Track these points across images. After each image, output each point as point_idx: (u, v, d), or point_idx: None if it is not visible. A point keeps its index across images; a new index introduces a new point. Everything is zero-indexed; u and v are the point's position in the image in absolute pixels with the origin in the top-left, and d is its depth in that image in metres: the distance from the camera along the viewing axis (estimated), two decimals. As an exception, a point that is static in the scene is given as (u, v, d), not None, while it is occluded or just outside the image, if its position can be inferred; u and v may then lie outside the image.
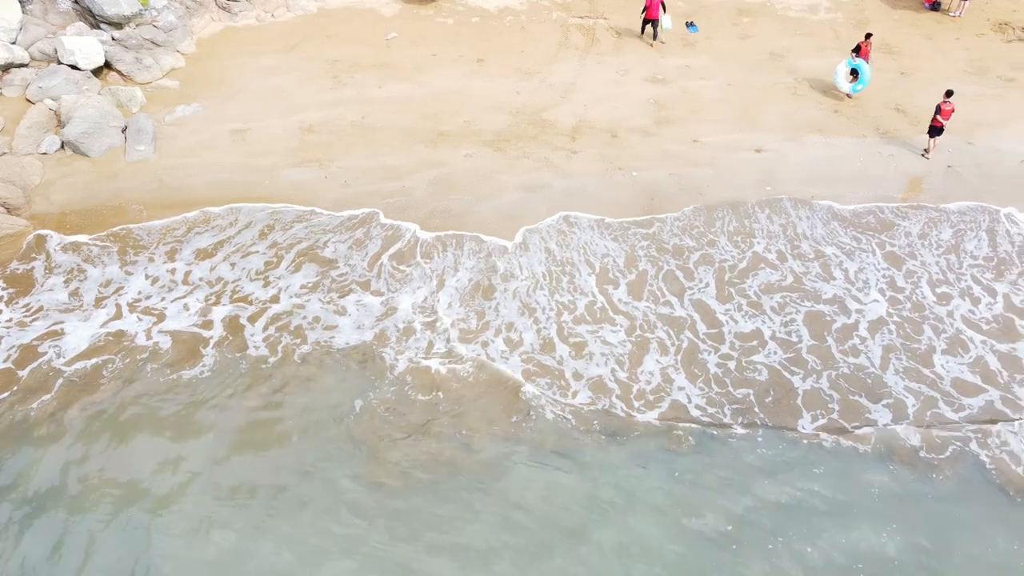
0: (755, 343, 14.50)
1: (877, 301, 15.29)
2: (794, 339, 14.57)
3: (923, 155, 18.87)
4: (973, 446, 12.76)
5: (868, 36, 20.68)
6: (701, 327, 14.79)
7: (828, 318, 14.96)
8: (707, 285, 15.63)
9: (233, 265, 16.03)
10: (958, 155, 18.97)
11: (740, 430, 13.03)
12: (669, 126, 19.93)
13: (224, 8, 23.74)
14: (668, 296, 15.39)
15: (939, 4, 24.59)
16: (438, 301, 15.30)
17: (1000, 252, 16.41)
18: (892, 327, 14.78)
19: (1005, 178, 18.36)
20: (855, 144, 19.37)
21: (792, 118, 20.20)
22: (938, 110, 18.32)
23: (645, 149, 19.15)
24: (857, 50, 20.44)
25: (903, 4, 24.90)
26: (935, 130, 18.55)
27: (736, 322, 14.90)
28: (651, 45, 23.05)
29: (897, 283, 15.65)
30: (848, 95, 20.73)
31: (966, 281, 15.75)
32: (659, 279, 15.71)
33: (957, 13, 24.29)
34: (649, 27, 22.93)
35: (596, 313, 15.04)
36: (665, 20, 22.54)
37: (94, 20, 21.53)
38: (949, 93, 18.28)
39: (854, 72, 20.41)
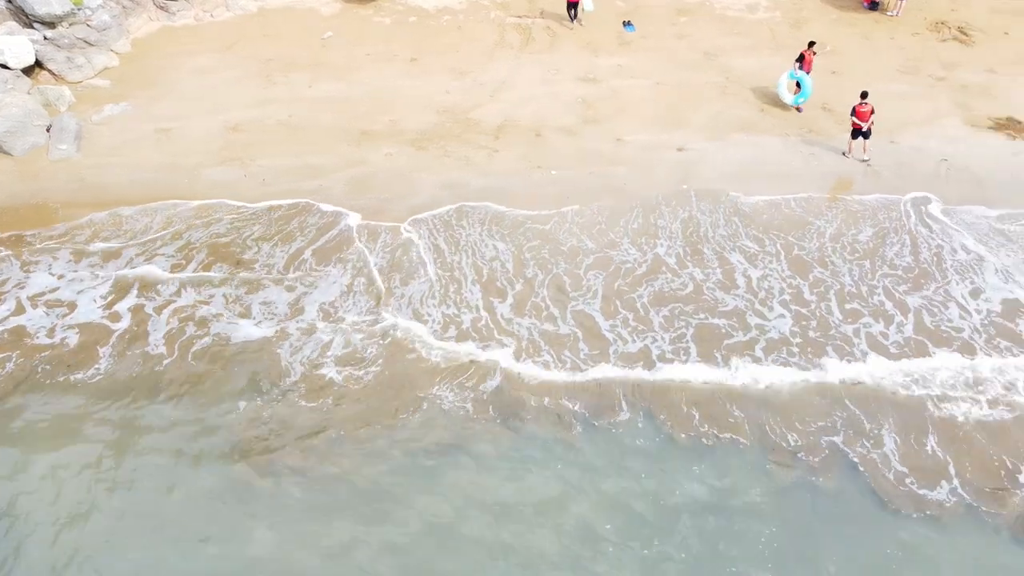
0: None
1: (783, 316, 14.82)
2: (682, 358, 14.05)
3: (844, 155, 18.94)
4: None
5: (811, 44, 20.33)
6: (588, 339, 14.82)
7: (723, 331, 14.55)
8: (595, 296, 15.29)
9: (141, 260, 16.09)
10: (880, 154, 18.98)
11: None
12: (594, 125, 19.99)
13: (162, 8, 23.80)
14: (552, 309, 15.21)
15: (877, 3, 24.66)
16: (343, 298, 15.36)
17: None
18: (796, 347, 14.50)
19: (924, 176, 18.39)
20: (778, 143, 19.43)
21: (719, 117, 20.25)
22: (853, 112, 18.42)
23: (568, 148, 19.21)
24: (800, 59, 20.11)
25: (842, 4, 24.96)
26: (856, 132, 18.62)
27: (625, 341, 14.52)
28: (571, 29, 23.59)
29: (804, 296, 15.23)
30: (797, 109, 20.38)
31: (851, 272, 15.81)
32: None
33: (894, 12, 24.35)
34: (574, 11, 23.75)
35: (482, 330, 15.08)
36: (587, 2, 22.92)
37: (27, 19, 21.56)
38: (864, 95, 18.33)
39: (798, 84, 20.20)
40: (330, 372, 13.77)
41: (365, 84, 21.40)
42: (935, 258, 16.08)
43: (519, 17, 24.31)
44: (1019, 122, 20.10)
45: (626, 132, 19.72)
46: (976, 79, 21.64)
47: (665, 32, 23.75)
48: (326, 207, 17.34)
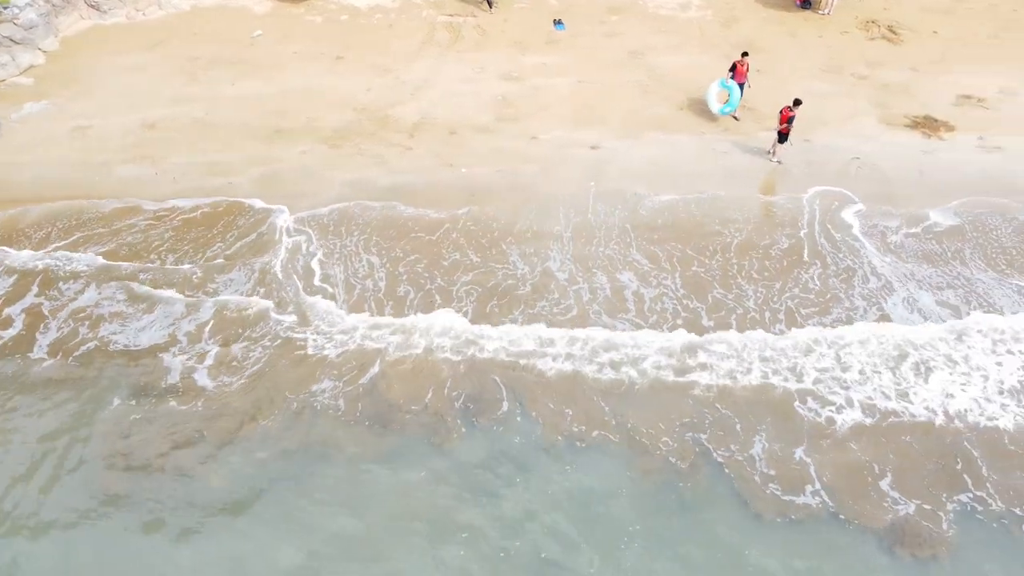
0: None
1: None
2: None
3: (769, 155, 18.99)
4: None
5: (744, 55, 19.77)
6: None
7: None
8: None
9: (41, 258, 16.14)
10: (793, 152, 19.02)
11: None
12: (511, 123, 20.02)
13: (93, 6, 23.85)
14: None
15: (810, 2, 24.68)
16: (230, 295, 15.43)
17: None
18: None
19: (833, 174, 18.44)
20: (693, 141, 19.47)
21: (637, 115, 20.28)
22: (780, 115, 18.33)
23: (481, 146, 19.25)
24: (733, 69, 19.68)
25: (774, 2, 24.98)
26: (782, 136, 18.53)
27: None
28: (490, 12, 24.13)
29: (701, 321, 14.95)
30: (735, 117, 20.10)
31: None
32: (459, 274, 15.79)
33: (826, 11, 24.38)
34: None
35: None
36: None
37: (-49, 18, 21.63)
38: (797, 102, 18.07)
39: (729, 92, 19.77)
40: (203, 378, 13.82)
41: (288, 82, 21.44)
42: (822, 257, 16.18)
43: (450, 16, 24.33)
44: (935, 120, 20.15)
45: (542, 130, 19.75)
46: (899, 78, 21.67)
47: (595, 31, 23.77)
48: (254, 203, 17.47)
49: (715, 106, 19.83)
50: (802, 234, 16.84)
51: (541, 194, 17.83)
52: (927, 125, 19.97)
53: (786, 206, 17.58)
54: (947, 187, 18.04)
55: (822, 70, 22.07)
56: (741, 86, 19.64)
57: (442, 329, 14.57)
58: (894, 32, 23.61)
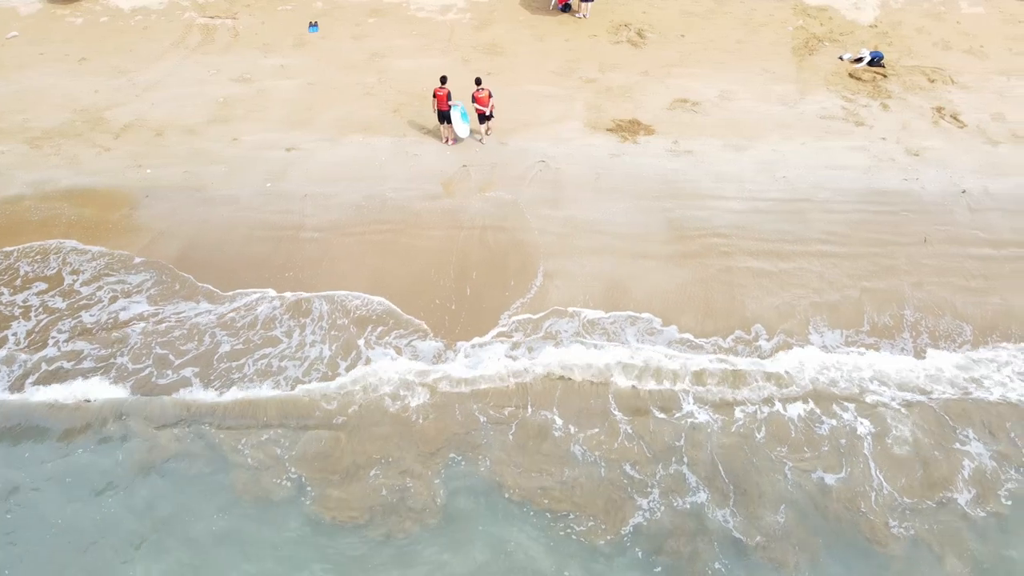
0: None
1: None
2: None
3: (479, 140, 19.68)
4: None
5: (478, 82, 19.38)
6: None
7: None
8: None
9: None
10: (484, 153, 19.41)
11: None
12: (221, 125, 20.37)
13: None
14: None
15: (569, 5, 24.99)
16: None
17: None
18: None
19: (512, 178, 18.78)
20: (390, 144, 19.81)
21: (348, 117, 20.63)
22: (473, 99, 19.13)
23: (181, 147, 19.61)
24: (474, 100, 19.30)
25: (535, 6, 25.26)
26: (480, 117, 19.32)
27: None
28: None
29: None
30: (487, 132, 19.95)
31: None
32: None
33: (582, 15, 24.68)
34: None
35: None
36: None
37: None
38: (478, 80, 19.26)
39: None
40: None
41: (19, 83, 21.80)
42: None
43: (211, 18, 24.66)
44: (639, 124, 20.50)
45: (247, 132, 20.11)
46: (626, 81, 22.00)
47: (345, 33, 24.08)
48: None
49: (464, 131, 19.47)
50: (461, 236, 17.21)
51: (218, 196, 18.21)
52: (629, 128, 20.32)
53: (449, 209, 17.93)
54: (616, 191, 18.40)
55: (554, 73, 22.39)
56: (484, 116, 19.45)
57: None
58: (641, 36, 23.92)
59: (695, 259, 16.70)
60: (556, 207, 17.94)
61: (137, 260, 16.62)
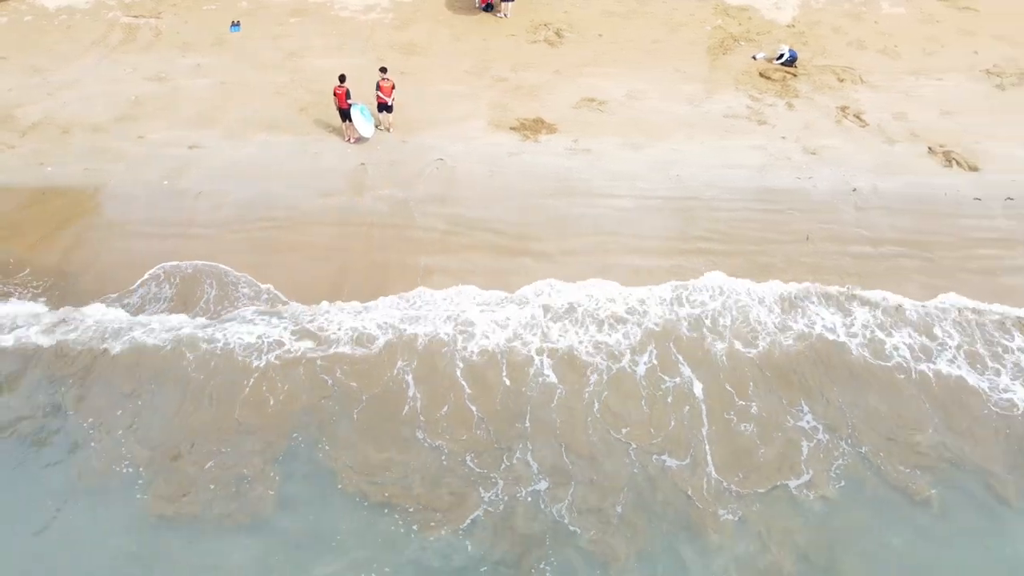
0: None
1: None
2: None
3: (386, 130, 20.04)
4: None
5: (383, 70, 19.72)
6: None
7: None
8: None
9: None
10: (384, 151, 19.62)
11: None
12: (129, 123, 20.57)
13: None
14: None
15: (492, 5, 25.16)
16: None
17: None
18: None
19: (408, 175, 18.98)
20: (293, 142, 20.01)
21: (255, 116, 20.81)
22: (377, 87, 19.43)
23: (84, 145, 19.80)
24: (378, 88, 19.63)
25: (460, 6, 25.40)
26: (381, 106, 19.67)
27: None
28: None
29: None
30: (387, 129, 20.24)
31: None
32: None
33: (502, 14, 24.86)
34: None
35: None
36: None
37: None
38: (383, 69, 19.59)
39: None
40: None
41: (-68, 84, 22.06)
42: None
43: (135, 17, 24.87)
44: (543, 122, 20.69)
45: (153, 130, 20.32)
46: (537, 80, 22.18)
47: (267, 32, 24.25)
48: None
49: (368, 130, 19.70)
50: (347, 232, 17.45)
51: (116, 193, 18.44)
52: (531, 127, 20.51)
53: (339, 207, 18.15)
54: (507, 189, 18.60)
55: (466, 72, 22.58)
56: (385, 106, 19.78)
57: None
58: (559, 36, 24.09)
59: (574, 256, 16.90)
60: (445, 205, 18.16)
61: (18, 260, 16.87)
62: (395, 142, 19.96)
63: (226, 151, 19.73)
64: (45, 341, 15.32)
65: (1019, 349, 15.16)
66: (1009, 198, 18.54)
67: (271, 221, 17.68)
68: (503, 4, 24.77)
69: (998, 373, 14.77)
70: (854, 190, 18.65)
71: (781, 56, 22.68)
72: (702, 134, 20.33)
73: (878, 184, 18.84)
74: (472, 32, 24.34)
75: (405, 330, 15.39)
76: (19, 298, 16.11)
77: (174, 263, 16.71)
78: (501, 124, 20.61)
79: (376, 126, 20.04)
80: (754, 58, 23.10)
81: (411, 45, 23.67)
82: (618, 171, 19.11)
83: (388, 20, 24.96)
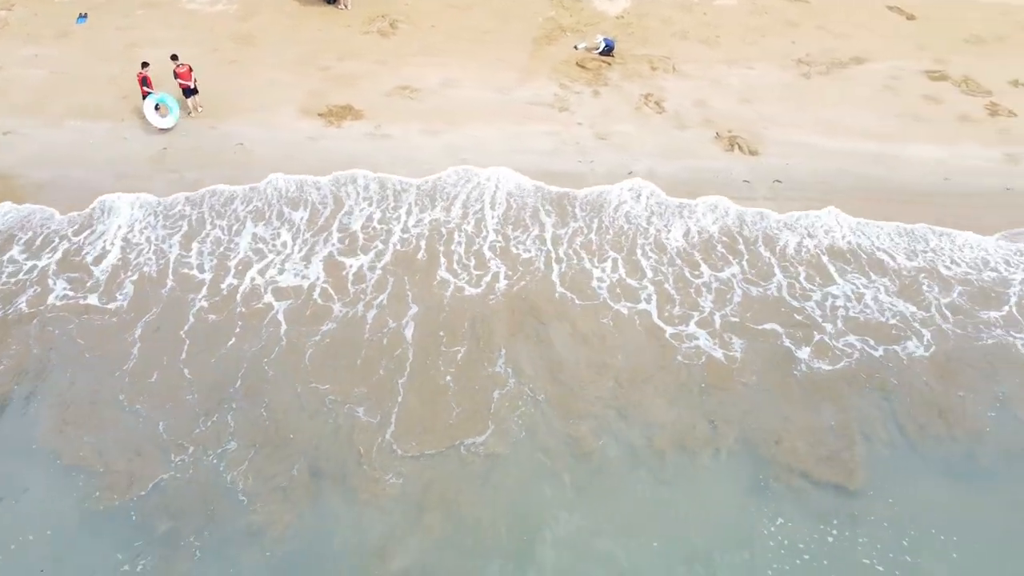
0: None
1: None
2: None
3: (192, 114, 21.00)
4: None
5: (174, 58, 20.59)
6: None
7: None
8: None
9: None
10: (190, 137, 20.44)
11: None
12: (-41, 114, 21.44)
13: None
14: None
15: (331, -3, 25.95)
16: None
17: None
18: None
19: (205, 160, 19.85)
20: (108, 128, 20.84)
21: (79, 104, 21.50)
22: (175, 75, 20.44)
23: (-94, 134, 20.71)
24: (176, 76, 20.58)
25: (305, -3, 26.23)
26: (187, 91, 20.70)
27: None
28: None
29: None
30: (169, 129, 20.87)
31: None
32: None
33: (343, 5, 25.63)
34: None
35: None
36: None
37: None
38: (174, 56, 20.59)
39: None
40: None
41: None
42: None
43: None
44: (351, 109, 21.53)
45: (-19, 121, 21.19)
46: (358, 70, 22.98)
47: (113, 24, 25.04)
48: None
49: (160, 122, 20.45)
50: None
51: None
52: (338, 114, 21.33)
53: (137, 187, 19.06)
54: (302, 172, 19.45)
55: (293, 62, 23.35)
56: (190, 90, 20.79)
57: None
58: (393, 27, 24.88)
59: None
60: (236, 185, 19.00)
61: None
62: (203, 128, 20.78)
63: (40, 137, 20.58)
64: None
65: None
66: (777, 180, 19.34)
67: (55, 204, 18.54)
68: (345, -3, 25.59)
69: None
70: (630, 173, 19.44)
71: (597, 47, 23.45)
72: (502, 121, 21.14)
73: (655, 167, 19.64)
74: (310, 24, 25.11)
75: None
76: None
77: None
78: (310, 111, 21.43)
79: (188, 113, 20.87)
80: (576, 48, 23.87)
81: (248, 36, 24.45)
82: (408, 156, 19.96)
83: (232, 12, 25.72)
